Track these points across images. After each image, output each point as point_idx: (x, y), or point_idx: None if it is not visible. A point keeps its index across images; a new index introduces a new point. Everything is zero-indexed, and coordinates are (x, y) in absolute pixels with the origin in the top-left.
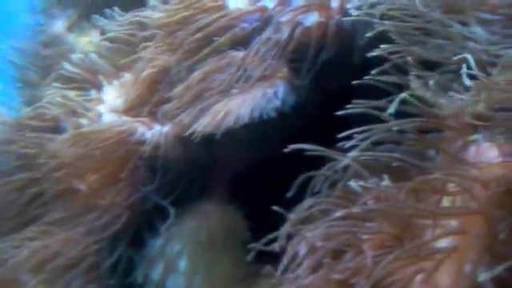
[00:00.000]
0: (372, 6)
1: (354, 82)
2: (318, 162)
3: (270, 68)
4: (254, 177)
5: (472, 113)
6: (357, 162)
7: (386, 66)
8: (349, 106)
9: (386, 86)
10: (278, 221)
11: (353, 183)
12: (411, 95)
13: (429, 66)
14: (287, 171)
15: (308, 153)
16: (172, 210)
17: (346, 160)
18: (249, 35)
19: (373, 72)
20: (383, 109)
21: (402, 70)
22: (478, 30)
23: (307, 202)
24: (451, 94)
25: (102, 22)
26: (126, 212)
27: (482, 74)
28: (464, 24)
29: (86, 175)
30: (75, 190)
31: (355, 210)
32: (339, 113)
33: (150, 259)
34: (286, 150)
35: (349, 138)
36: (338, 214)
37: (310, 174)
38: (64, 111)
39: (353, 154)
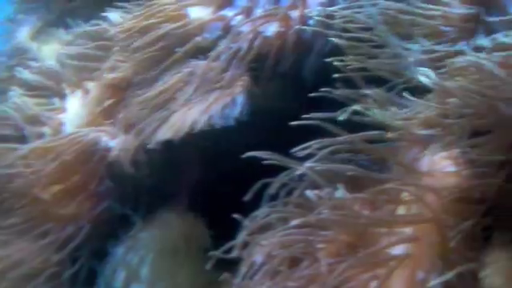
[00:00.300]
0: (330, 17)
1: (312, 95)
2: (278, 169)
3: (230, 77)
4: (215, 185)
5: (425, 121)
6: (313, 171)
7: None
8: (305, 116)
9: (342, 98)
10: (240, 228)
11: (309, 192)
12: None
13: (378, 79)
14: (247, 179)
15: (265, 162)
16: (135, 219)
17: (302, 169)
18: (210, 45)
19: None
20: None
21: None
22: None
23: (263, 209)
24: (402, 105)
25: (67, 29)
26: (89, 222)
27: (433, 83)
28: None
29: (49, 185)
30: (38, 200)
31: (311, 218)
32: (294, 123)
33: (113, 268)
34: (242, 157)
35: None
36: (294, 222)
37: (267, 180)
38: (26, 120)
39: (309, 163)
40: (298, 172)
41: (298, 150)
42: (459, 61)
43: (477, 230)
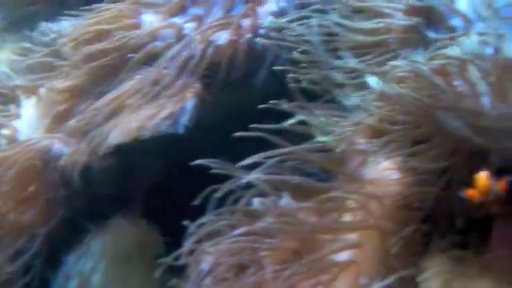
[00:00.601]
0: (281, 29)
1: (261, 106)
2: (229, 177)
3: (181, 84)
4: (168, 191)
5: (368, 130)
6: (259, 180)
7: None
8: (253, 125)
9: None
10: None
11: (255, 200)
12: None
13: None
14: (199, 185)
15: (213, 170)
16: (87, 226)
17: (248, 178)
18: (162, 52)
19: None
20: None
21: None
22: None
23: (210, 217)
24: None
25: (23, 36)
26: (42, 230)
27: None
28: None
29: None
30: None
31: (257, 226)
32: (237, 134)
33: (65, 276)
34: (191, 165)
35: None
36: (241, 230)
37: (215, 187)
38: None
39: (256, 172)
40: (244, 180)
41: (247, 162)
42: (399, 66)
43: (417, 236)
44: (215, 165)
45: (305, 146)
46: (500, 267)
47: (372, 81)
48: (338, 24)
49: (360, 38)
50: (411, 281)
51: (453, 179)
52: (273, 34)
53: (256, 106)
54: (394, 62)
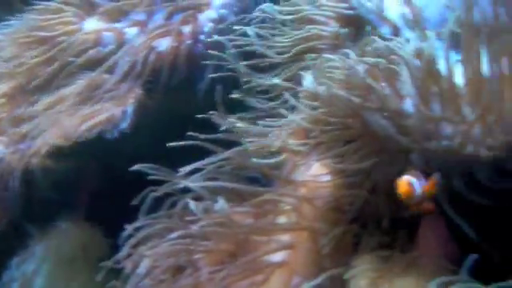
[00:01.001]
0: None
1: (199, 116)
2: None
3: (122, 90)
4: (110, 194)
5: (300, 132)
6: (196, 185)
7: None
8: (190, 133)
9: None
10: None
11: (191, 204)
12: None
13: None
14: (139, 188)
15: (150, 176)
16: (31, 230)
17: (185, 183)
18: (104, 57)
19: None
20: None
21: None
22: None
23: (147, 221)
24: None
25: None
26: None
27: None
28: None
29: None
30: None
31: (193, 229)
32: (171, 144)
33: (8, 280)
34: (130, 170)
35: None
36: (177, 233)
37: (152, 188)
38: None
39: (194, 177)
40: (181, 185)
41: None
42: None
43: (347, 237)
44: (153, 171)
45: (241, 150)
46: (423, 264)
47: (307, 81)
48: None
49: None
50: (341, 279)
51: (379, 180)
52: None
53: (197, 111)
54: (327, 55)
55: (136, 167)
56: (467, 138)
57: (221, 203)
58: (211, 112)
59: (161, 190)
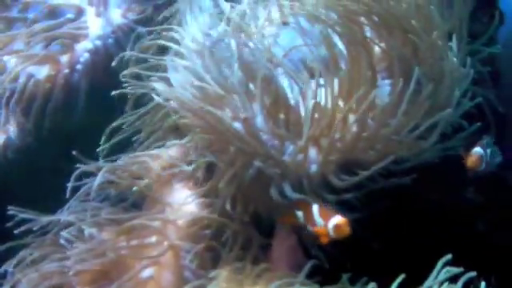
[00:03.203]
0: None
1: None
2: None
3: (3, 117)
4: None
5: (167, 160)
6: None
7: None
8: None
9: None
10: None
11: (63, 233)
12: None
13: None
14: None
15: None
16: None
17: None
18: None
19: None
20: None
21: None
22: None
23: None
24: None
25: None
26: None
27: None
28: None
29: None
30: None
31: (66, 254)
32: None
33: None
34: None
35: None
36: (51, 257)
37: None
38: None
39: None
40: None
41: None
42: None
43: (207, 253)
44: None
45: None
46: (272, 273)
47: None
48: None
49: None
50: None
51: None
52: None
53: (73, 137)
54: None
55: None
56: (304, 155)
57: (90, 230)
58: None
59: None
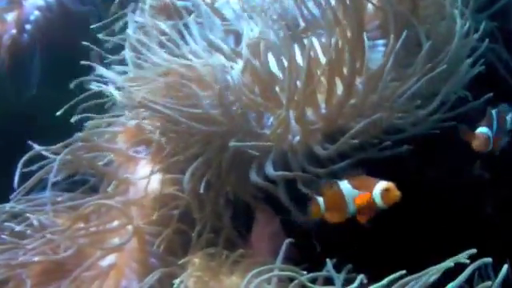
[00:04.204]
0: None
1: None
2: None
3: None
4: None
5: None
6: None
7: None
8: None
9: None
10: None
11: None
12: None
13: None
14: None
15: None
16: None
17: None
18: None
19: None
20: None
21: None
22: None
23: None
24: None
25: None
26: None
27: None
28: None
29: None
30: None
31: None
32: None
33: None
34: None
35: None
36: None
37: None
38: None
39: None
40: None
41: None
42: None
43: (176, 237)
44: None
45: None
46: (251, 260)
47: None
48: None
49: None
50: (171, 279)
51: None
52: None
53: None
54: None
55: None
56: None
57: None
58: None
59: None
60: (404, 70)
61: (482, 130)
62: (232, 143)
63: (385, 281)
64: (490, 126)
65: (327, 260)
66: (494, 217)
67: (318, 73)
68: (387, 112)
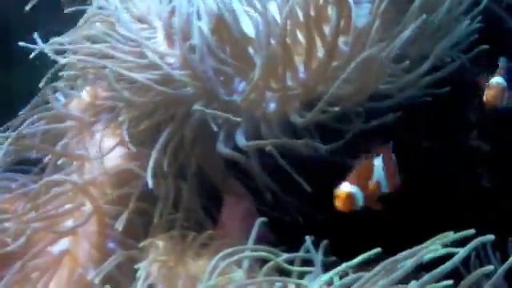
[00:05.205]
0: None
1: None
2: None
3: None
4: None
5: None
6: None
7: None
8: None
9: None
10: None
11: None
12: None
13: None
14: None
15: None
16: None
17: None
18: None
19: None
20: None
21: None
22: None
23: None
24: None
25: None
26: None
27: None
28: None
29: None
30: None
31: None
32: None
33: None
34: None
35: None
36: None
37: None
38: None
39: None
40: None
41: None
42: None
43: (135, 217)
44: None
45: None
46: (220, 241)
47: None
48: None
49: None
50: (131, 264)
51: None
52: None
53: None
54: None
55: None
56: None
57: None
58: None
59: None
60: (393, 29)
61: (497, 79)
62: (196, 106)
63: (359, 258)
64: (504, 77)
65: (306, 237)
66: (492, 191)
67: (297, 32)
68: (375, 77)
